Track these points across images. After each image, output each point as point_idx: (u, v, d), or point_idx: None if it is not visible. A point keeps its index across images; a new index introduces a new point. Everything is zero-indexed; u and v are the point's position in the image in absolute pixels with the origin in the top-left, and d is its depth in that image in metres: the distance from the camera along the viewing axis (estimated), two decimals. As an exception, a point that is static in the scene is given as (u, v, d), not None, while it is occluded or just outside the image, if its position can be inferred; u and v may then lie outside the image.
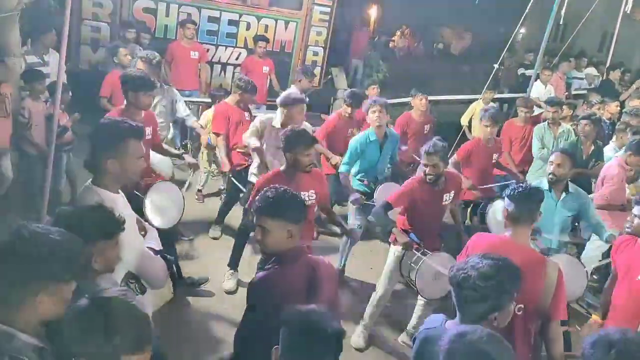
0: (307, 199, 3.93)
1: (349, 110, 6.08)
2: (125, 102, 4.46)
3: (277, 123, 5.11)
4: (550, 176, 4.40)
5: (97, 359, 1.60)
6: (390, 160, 5.70)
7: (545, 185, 4.58)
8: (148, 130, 4.51)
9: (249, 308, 2.74)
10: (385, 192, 5.25)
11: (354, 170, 5.43)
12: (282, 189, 2.71)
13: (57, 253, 1.74)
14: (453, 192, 4.56)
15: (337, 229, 5.25)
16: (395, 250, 4.46)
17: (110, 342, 1.58)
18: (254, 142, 5.19)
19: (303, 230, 3.85)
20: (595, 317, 3.84)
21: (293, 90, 6.28)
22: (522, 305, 2.29)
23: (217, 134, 5.76)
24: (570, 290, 4.24)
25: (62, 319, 1.68)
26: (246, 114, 5.85)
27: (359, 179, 5.47)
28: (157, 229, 3.51)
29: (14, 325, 1.68)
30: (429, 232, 4.45)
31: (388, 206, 4.37)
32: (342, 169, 5.36)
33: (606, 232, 4.68)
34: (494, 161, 6.02)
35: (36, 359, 1.66)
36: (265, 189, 2.74)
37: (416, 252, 4.18)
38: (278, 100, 5.19)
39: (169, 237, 4.61)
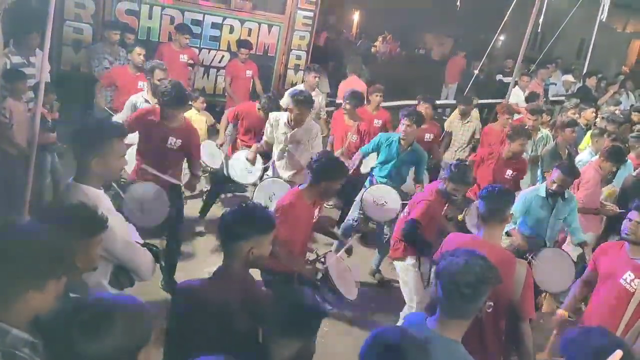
0: (316, 214, 4.07)
1: (348, 107, 6.64)
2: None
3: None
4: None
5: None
6: (416, 178, 5.89)
7: (542, 192, 4.76)
8: (174, 141, 4.67)
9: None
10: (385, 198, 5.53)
11: (374, 162, 5.86)
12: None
13: (45, 250, 1.74)
14: None
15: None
16: (406, 264, 4.51)
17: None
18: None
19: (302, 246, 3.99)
20: (561, 312, 3.88)
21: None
22: (491, 303, 2.34)
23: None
24: (559, 281, 4.35)
25: (54, 314, 1.67)
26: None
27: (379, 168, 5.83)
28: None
29: (6, 321, 1.68)
30: (436, 239, 4.46)
31: (419, 225, 4.36)
32: (362, 148, 6.02)
33: (581, 237, 4.99)
34: (507, 177, 5.84)
35: (29, 353, 1.66)
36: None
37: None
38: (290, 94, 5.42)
39: (175, 233, 4.91)
